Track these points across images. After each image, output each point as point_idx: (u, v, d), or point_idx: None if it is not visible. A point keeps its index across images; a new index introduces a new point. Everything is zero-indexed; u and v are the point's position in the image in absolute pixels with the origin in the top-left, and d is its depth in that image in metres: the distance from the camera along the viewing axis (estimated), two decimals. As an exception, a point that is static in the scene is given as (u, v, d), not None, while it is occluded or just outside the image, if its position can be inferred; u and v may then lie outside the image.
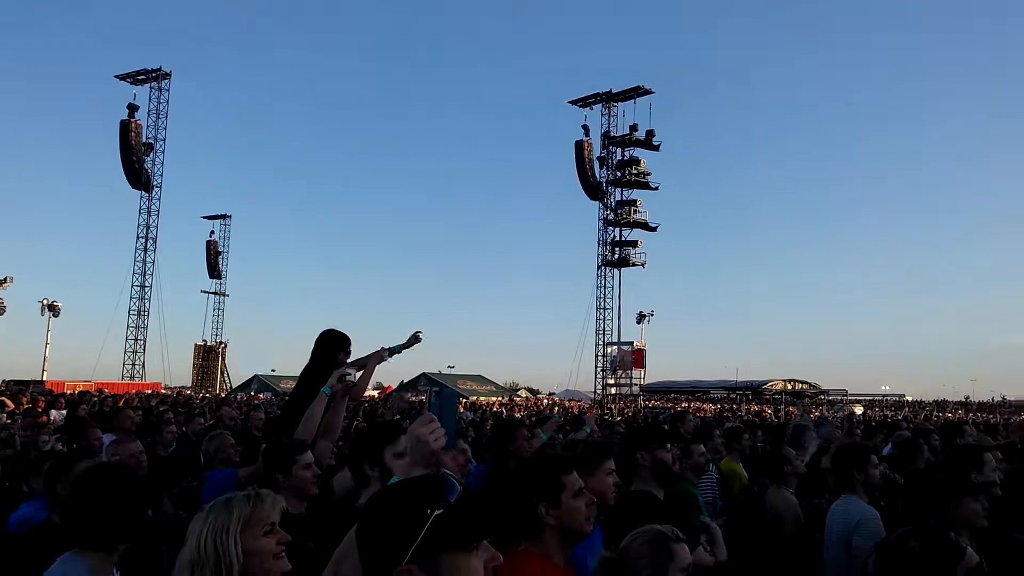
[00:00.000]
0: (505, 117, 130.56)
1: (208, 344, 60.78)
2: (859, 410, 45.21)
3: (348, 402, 4.87)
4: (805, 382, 63.52)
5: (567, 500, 2.35)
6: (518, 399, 51.92)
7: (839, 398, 63.05)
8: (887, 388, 72.24)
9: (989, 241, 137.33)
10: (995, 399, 69.66)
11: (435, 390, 3.18)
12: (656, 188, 55.05)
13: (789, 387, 61.86)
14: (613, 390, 56.33)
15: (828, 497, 4.93)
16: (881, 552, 1.95)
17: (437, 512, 1.45)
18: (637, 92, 53.52)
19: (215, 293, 62.25)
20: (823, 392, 63.84)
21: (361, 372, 4.56)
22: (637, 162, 54.56)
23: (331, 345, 4.93)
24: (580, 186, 55.46)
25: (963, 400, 69.60)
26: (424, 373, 59.62)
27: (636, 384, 57.27)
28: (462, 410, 26.55)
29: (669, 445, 3.83)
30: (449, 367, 63.76)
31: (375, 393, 31.69)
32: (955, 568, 1.83)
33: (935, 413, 51.11)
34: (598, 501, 2.90)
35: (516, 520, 2.34)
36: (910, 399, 68.05)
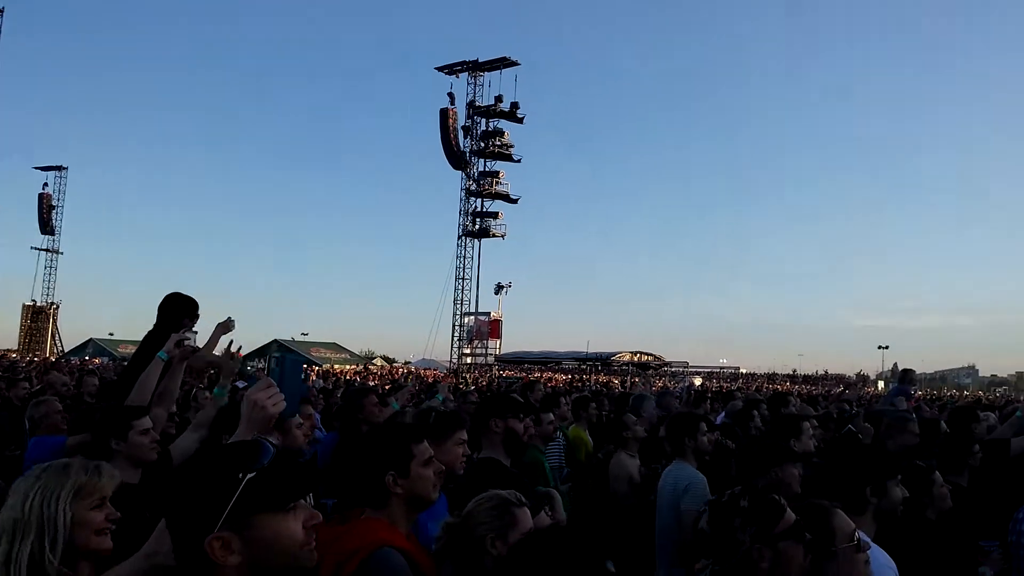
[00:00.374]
0: (369, 80, 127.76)
1: (37, 305, 56.38)
2: (698, 381, 47.94)
3: (192, 369, 4.64)
4: (650, 354, 66.51)
5: (416, 469, 2.34)
6: (373, 368, 51.37)
7: (681, 370, 66.48)
8: (724, 361, 77.01)
9: (815, 230, 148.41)
10: (819, 372, 75.77)
11: (276, 356, 3.07)
12: (519, 160, 55.55)
13: (636, 359, 64.62)
14: (469, 360, 56.83)
15: (664, 463, 5.19)
16: (714, 510, 2.08)
17: (250, 475, 1.45)
18: (503, 63, 53.56)
19: (47, 250, 57.70)
20: (666, 364, 67.12)
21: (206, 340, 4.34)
22: (501, 133, 54.80)
23: (176, 310, 4.69)
24: (444, 155, 55.10)
25: (791, 373, 75.09)
26: (276, 340, 57.85)
27: (492, 354, 58.05)
28: (315, 378, 26.02)
29: (522, 415, 3.90)
30: (303, 334, 62.22)
31: (222, 359, 30.33)
32: (776, 525, 1.99)
33: (766, 385, 54.95)
34: (447, 471, 2.92)
35: (362, 488, 2.31)
36: (744, 371, 72.68)
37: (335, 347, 63.14)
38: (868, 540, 2.52)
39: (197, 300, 4.85)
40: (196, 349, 4.10)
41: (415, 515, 2.42)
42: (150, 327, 4.76)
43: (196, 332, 4.52)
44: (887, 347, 68.09)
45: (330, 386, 17.86)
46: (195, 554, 1.44)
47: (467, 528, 2.19)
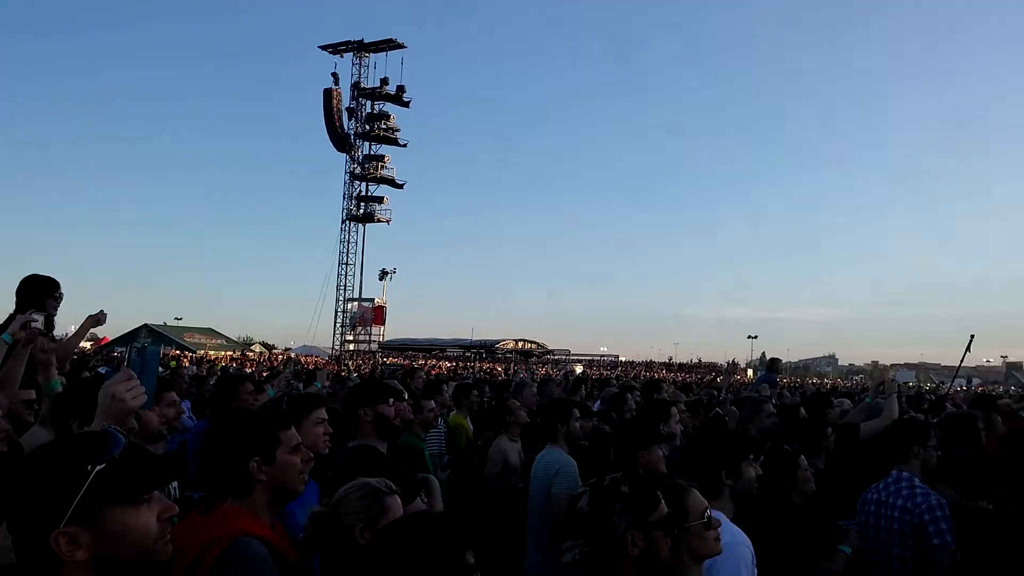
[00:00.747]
0: (248, 57, 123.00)
1: None
2: (579, 369, 49.01)
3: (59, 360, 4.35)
4: (534, 342, 67.36)
5: (282, 456, 2.28)
6: (251, 354, 49.73)
7: (563, 358, 67.75)
8: (605, 350, 79.07)
9: (693, 226, 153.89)
10: (693, 361, 78.81)
11: (136, 346, 2.95)
12: (405, 145, 54.96)
13: (519, 347, 65.28)
14: (352, 346, 55.95)
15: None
16: (594, 492, 2.13)
17: (99, 467, 1.41)
18: (390, 45, 52.70)
19: None
20: (549, 352, 68.16)
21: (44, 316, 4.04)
22: (387, 117, 53.99)
23: (35, 291, 4.39)
24: (328, 137, 53.81)
25: (667, 361, 77.77)
26: (146, 324, 55.12)
27: (375, 341, 57.34)
28: (187, 364, 24.99)
29: (392, 400, 3.86)
30: (176, 319, 59.52)
31: (88, 345, 28.76)
32: (652, 513, 2.07)
33: (643, 372, 56.69)
34: (314, 456, 2.87)
35: (225, 476, 2.24)
36: (623, 359, 74.79)
37: (211, 332, 60.79)
38: (723, 518, 2.65)
39: (58, 280, 4.56)
40: (44, 332, 3.84)
41: (281, 504, 2.37)
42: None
43: (52, 313, 4.22)
44: (756, 337, 71.66)
45: (204, 373, 17.16)
46: (39, 551, 1.38)
47: (335, 517, 2.16)
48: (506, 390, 8.38)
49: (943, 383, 20.73)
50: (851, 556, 3.83)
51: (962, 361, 9.05)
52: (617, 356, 76.21)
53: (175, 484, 3.49)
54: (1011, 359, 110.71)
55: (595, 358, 73.68)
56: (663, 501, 2.12)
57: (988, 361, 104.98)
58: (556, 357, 67.93)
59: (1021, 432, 5.58)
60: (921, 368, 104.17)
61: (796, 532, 3.58)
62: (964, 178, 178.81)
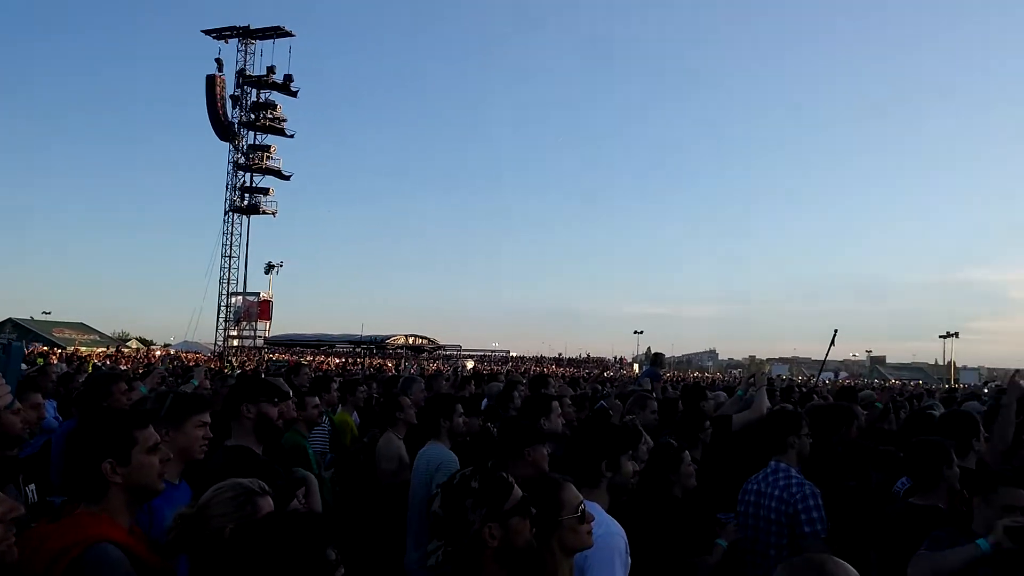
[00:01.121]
0: (128, 37, 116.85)
1: None
2: (470, 364, 49.14)
3: None
4: (425, 337, 67.16)
5: (138, 456, 2.17)
6: (127, 350, 47.36)
7: (454, 353, 67.79)
8: (496, 345, 79.62)
9: (582, 222, 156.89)
10: (582, 356, 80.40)
11: (3, 343, 2.72)
12: (292, 136, 53.62)
13: (410, 342, 64.92)
14: (236, 342, 54.19)
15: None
16: (445, 492, 2.12)
17: None
18: (277, 32, 51.27)
19: None
20: (440, 347, 68.13)
21: None
22: (273, 106, 52.55)
23: None
24: (211, 125, 51.82)
25: (557, 356, 79.00)
26: (10, 319, 51.67)
27: (260, 336, 55.78)
28: (56, 360, 23.56)
29: (276, 399, 3.75)
30: (44, 313, 56.02)
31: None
32: (506, 501, 2.07)
33: (533, 367, 57.41)
34: (186, 457, 2.77)
35: (79, 479, 2.11)
36: (514, 355, 75.53)
37: (82, 328, 57.61)
38: (599, 510, 2.72)
39: None
40: None
41: (138, 506, 2.26)
42: None
43: None
44: (642, 332, 73.59)
45: (73, 370, 16.21)
46: None
47: (203, 519, 2.08)
48: (394, 386, 8.30)
49: (813, 376, 21.95)
50: (729, 548, 3.93)
51: (827, 355, 9.61)
52: (508, 352, 76.95)
53: (32, 487, 3.29)
54: (875, 354, 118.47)
55: (487, 354, 74.10)
56: (515, 487, 2.12)
57: (855, 355, 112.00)
58: (447, 353, 67.95)
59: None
60: (794, 362, 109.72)
61: (676, 526, 3.65)
62: (832, 184, 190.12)
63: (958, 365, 68.83)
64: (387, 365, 44.11)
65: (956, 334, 56.92)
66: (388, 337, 63.78)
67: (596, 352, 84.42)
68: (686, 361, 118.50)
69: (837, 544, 3.85)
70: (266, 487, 2.17)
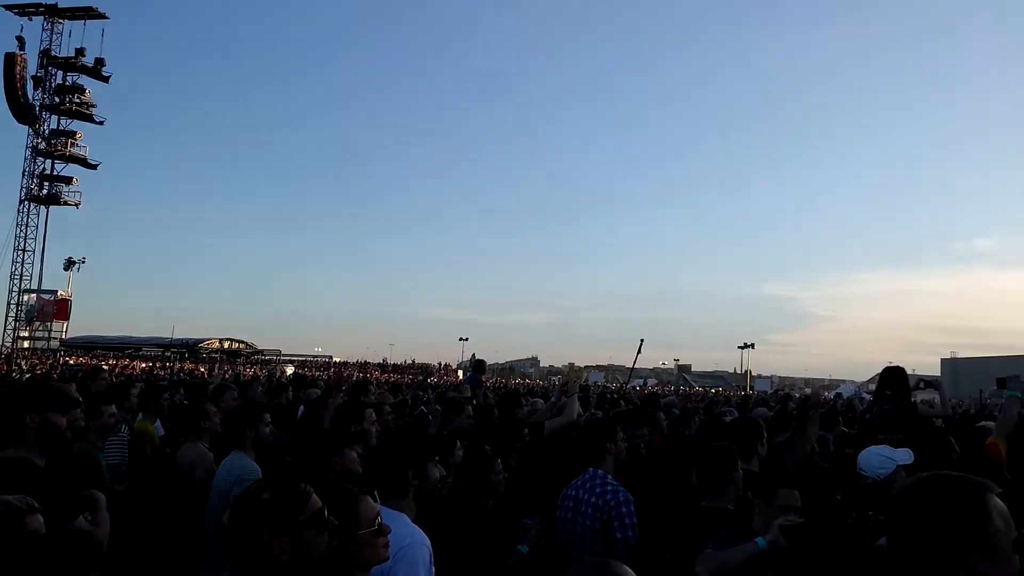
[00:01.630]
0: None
1: None
2: (290, 370, 47.61)
3: None
4: (242, 341, 64.42)
5: None
6: None
7: (273, 358, 65.48)
8: (319, 350, 77.74)
9: (405, 229, 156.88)
10: (407, 362, 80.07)
11: None
12: (102, 123, 49.90)
13: (226, 346, 62.03)
14: (28, 344, 49.53)
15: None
16: (237, 504, 2.02)
17: None
18: (89, 13, 47.62)
19: None
20: (259, 352, 65.57)
21: None
22: (81, 90, 48.73)
23: None
24: (7, 105, 47.24)
25: (382, 362, 78.20)
26: None
27: (56, 338, 51.32)
28: None
29: (65, 407, 3.46)
30: None
31: None
32: (300, 513, 1.99)
33: (357, 373, 56.43)
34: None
35: None
36: (338, 360, 74.01)
37: None
38: (405, 520, 2.72)
39: None
40: None
41: None
42: None
43: None
44: (467, 339, 74.45)
45: None
46: None
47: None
48: (203, 393, 7.91)
49: (625, 383, 23.16)
50: (545, 553, 3.99)
51: (635, 363, 10.15)
52: (331, 357, 75.33)
53: None
54: (682, 362, 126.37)
55: (308, 358, 72.13)
56: (312, 497, 2.05)
57: (664, 364, 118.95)
58: (266, 357, 65.49)
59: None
60: (610, 369, 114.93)
61: (482, 533, 3.69)
62: (653, 199, 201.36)
63: (754, 374, 74.75)
64: (199, 370, 41.84)
65: (753, 345, 61.99)
66: (201, 341, 60.59)
67: (423, 358, 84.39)
68: (509, 368, 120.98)
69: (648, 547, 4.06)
70: (35, 504, 1.99)
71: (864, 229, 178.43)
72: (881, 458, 4.23)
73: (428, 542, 2.78)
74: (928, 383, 7.91)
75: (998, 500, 1.62)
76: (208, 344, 60.80)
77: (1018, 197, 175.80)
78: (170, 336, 59.16)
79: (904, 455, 4.22)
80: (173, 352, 56.46)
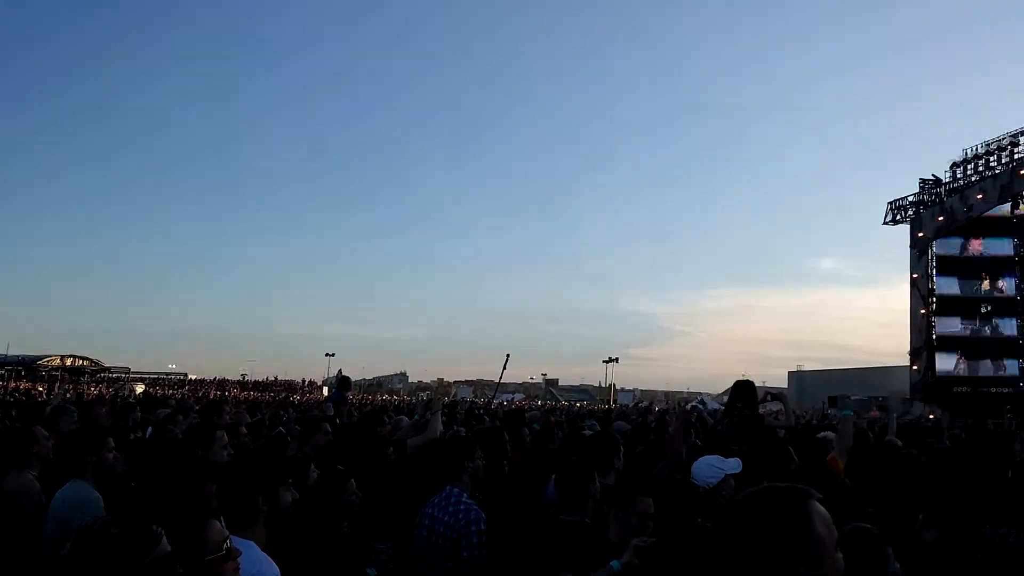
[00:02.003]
0: None
1: None
2: (140, 388, 45.01)
3: None
4: (86, 358, 60.40)
5: None
6: None
7: (121, 376, 61.82)
8: (173, 367, 73.93)
9: (278, 240, 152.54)
10: (269, 379, 77.31)
11: None
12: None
13: (68, 363, 58.04)
14: None
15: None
16: (79, 539, 1.85)
17: None
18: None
19: None
20: (105, 370, 61.71)
21: None
22: None
23: None
24: None
25: (241, 379, 75.14)
26: None
27: None
28: None
29: None
30: None
31: None
32: (147, 555, 1.85)
33: (214, 391, 54.04)
34: None
35: None
36: (193, 378, 70.63)
37: None
38: (254, 548, 2.60)
39: None
40: None
41: None
42: None
43: None
44: (333, 355, 72.68)
45: None
46: None
47: None
48: (39, 415, 7.32)
49: (492, 398, 23.39)
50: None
51: (500, 378, 10.26)
52: (186, 374, 71.82)
53: None
54: (550, 376, 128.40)
55: (161, 376, 68.44)
56: (163, 541, 1.91)
57: (532, 378, 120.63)
58: (114, 375, 61.62)
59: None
60: (478, 384, 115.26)
61: (335, 556, 3.59)
62: (516, 216, 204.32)
63: (617, 387, 77.04)
64: (38, 389, 38.84)
65: (617, 359, 63.80)
66: (41, 358, 56.38)
67: (286, 375, 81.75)
68: (376, 383, 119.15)
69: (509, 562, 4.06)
70: None
71: (717, 247, 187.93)
72: (711, 468, 4.44)
73: (277, 571, 2.67)
74: (774, 396, 8.44)
75: (819, 506, 1.70)
76: (48, 361, 56.65)
77: (858, 220, 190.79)
78: (5, 352, 54.67)
79: (733, 464, 4.44)
80: (7, 370, 52.20)
